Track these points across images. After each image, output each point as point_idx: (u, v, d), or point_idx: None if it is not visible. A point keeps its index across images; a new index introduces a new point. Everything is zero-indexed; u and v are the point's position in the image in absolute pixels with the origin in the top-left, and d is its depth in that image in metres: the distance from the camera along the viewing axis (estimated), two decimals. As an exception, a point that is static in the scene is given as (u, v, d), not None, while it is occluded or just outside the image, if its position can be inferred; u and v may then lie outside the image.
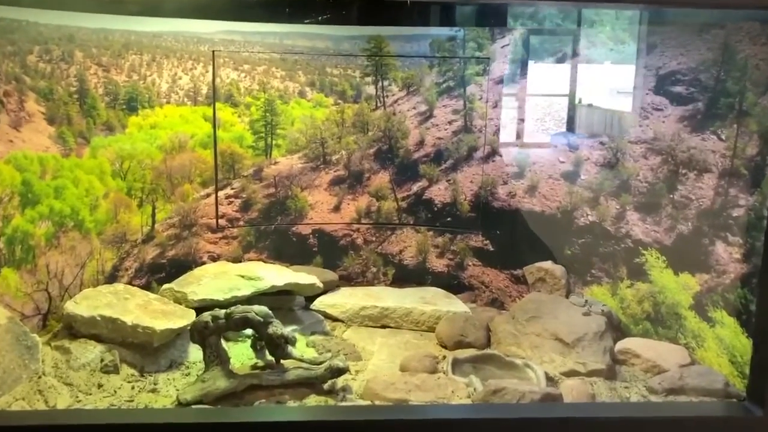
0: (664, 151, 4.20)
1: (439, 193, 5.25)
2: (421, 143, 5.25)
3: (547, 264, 4.91)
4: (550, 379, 3.90)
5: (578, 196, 4.75)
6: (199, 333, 3.60)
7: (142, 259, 4.82)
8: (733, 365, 3.75)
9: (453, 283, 5.28)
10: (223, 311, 3.59)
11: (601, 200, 4.64)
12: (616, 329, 4.48)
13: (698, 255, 4.01)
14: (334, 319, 4.84)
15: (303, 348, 4.31)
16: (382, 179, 5.28)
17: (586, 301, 4.61)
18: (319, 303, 4.89)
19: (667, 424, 2.94)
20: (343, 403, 3.53)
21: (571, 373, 3.98)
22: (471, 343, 4.45)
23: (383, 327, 4.80)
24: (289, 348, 3.58)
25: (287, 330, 3.59)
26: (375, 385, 3.66)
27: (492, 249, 5.20)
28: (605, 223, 4.63)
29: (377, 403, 3.51)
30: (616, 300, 4.61)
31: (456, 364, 4.08)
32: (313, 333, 4.60)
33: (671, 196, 4.19)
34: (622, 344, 4.24)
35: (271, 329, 3.50)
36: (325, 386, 3.69)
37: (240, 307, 3.58)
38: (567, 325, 4.28)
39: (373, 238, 5.35)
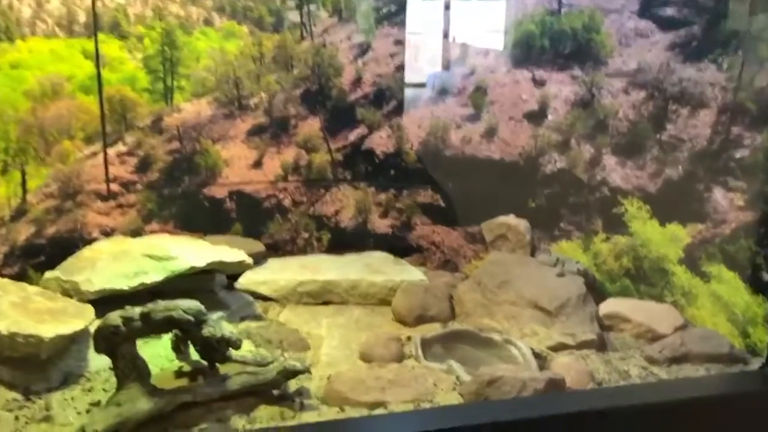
0: (650, 85, 3.78)
1: (381, 141, 4.63)
2: (357, 82, 4.56)
3: (509, 219, 4.45)
4: (538, 356, 3.47)
5: (545, 140, 4.28)
6: (106, 341, 2.81)
7: (13, 241, 3.87)
8: (733, 324, 3.48)
9: (399, 246, 4.73)
10: (137, 310, 2.81)
11: (572, 144, 4.20)
12: (591, 289, 4.11)
13: (690, 203, 3.68)
14: (265, 299, 4.16)
15: (235, 340, 3.60)
16: (311, 127, 4.57)
17: (557, 259, 4.21)
18: (246, 281, 4.18)
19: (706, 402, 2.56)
20: (306, 413, 2.90)
21: (559, 347, 3.57)
22: (434, 316, 3.95)
23: (326, 304, 4.20)
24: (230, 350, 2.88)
25: (228, 329, 2.86)
26: (340, 385, 3.06)
27: (443, 205, 4.70)
28: (576, 170, 4.21)
29: (348, 409, 2.91)
30: (589, 256, 4.25)
31: (425, 345, 3.55)
32: (243, 319, 3.90)
33: (658, 136, 3.81)
34: (606, 307, 3.88)
35: (206, 331, 2.77)
36: (276, 392, 3.03)
37: (161, 304, 2.81)
38: (544, 290, 3.86)
39: (304, 198, 4.67)
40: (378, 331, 3.71)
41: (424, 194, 4.69)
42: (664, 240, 3.86)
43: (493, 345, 3.58)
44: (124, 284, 3.52)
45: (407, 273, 4.38)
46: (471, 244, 4.68)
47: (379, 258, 4.60)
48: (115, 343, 2.81)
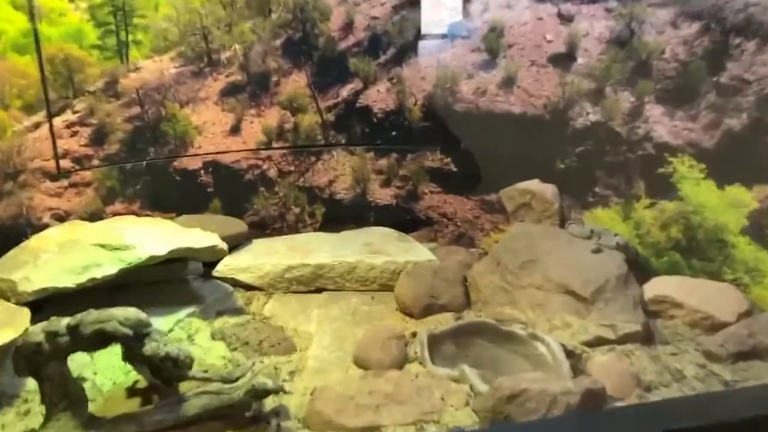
0: (706, 14, 3.09)
1: (379, 97, 4.02)
2: (348, 27, 3.92)
3: (533, 184, 3.85)
4: (571, 354, 2.91)
5: (575, 88, 3.62)
6: (27, 361, 2.32)
7: (-59, 232, 3.36)
8: (812, 308, 2.86)
9: (405, 219, 4.16)
10: (64, 322, 2.29)
11: (608, 92, 3.54)
12: (633, 266, 3.50)
13: (757, 159, 3.01)
14: (248, 288, 3.65)
15: (206, 342, 3.09)
16: (296, 83, 3.98)
17: (592, 231, 3.60)
18: (225, 267, 3.66)
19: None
20: (280, 443, 2.38)
21: (596, 342, 3.02)
22: (445, 305, 3.41)
23: (318, 291, 3.69)
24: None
25: (174, 346, 2.31)
26: (325, 404, 2.54)
27: (455, 169, 4.08)
28: (613, 124, 3.56)
29: (333, 438, 2.38)
30: (629, 226, 3.64)
31: (433, 343, 3.00)
32: (219, 314, 3.39)
33: (715, 79, 3.13)
34: (653, 289, 3.30)
35: (148, 347, 2.24)
36: (249, 413, 2.51)
37: (93, 314, 2.28)
38: (576, 270, 3.28)
39: (292, 168, 4.10)
40: (376, 327, 3.16)
41: (432, 158, 4.09)
42: (723, 205, 3.23)
43: (516, 340, 3.03)
44: (70, 281, 3.01)
45: (413, 252, 3.81)
46: (489, 215, 4.08)
47: (380, 235, 4.03)
48: (39, 363, 2.31)
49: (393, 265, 3.66)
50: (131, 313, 2.29)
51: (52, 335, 2.27)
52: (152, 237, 3.30)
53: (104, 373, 2.80)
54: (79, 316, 2.30)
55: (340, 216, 4.16)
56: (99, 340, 2.28)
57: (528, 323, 3.16)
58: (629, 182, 3.63)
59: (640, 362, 2.88)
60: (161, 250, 3.15)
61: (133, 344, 2.27)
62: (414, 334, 3.13)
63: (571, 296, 3.18)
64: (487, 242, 4.06)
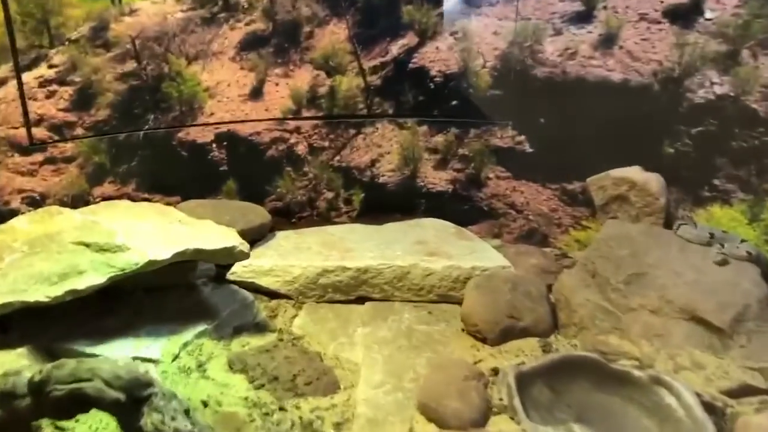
0: None
1: (438, 56, 3.34)
2: (403, -36, 3.21)
3: (633, 171, 3.19)
4: (710, 409, 2.25)
5: (697, 50, 2.90)
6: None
7: None
8: None
9: (462, 210, 3.48)
10: (25, 377, 1.62)
11: (745, 57, 2.82)
12: (764, 278, 2.83)
13: None
14: (273, 296, 3.00)
15: (222, 374, 2.45)
16: (334, 36, 3.26)
17: (712, 235, 2.91)
18: (243, 269, 3.03)
19: None
20: None
21: (742, 392, 2.37)
22: (527, 329, 2.78)
23: (360, 301, 3.05)
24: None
25: (187, 422, 1.64)
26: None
27: (530, 150, 3.38)
28: (748, 98, 2.85)
29: None
30: (758, 229, 2.96)
31: (521, 385, 2.34)
32: (237, 332, 2.75)
33: None
34: None
35: (149, 420, 1.57)
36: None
37: (68, 366, 1.62)
38: (703, 289, 2.64)
39: (326, 143, 3.43)
40: (445, 362, 2.51)
41: (501, 135, 3.40)
42: None
43: (632, 385, 2.38)
44: (43, 293, 2.37)
45: (481, 254, 3.15)
46: (569, 208, 3.41)
47: (434, 229, 3.37)
48: (-12, 436, 1.65)
49: (456, 272, 3.00)
50: (123, 366, 1.63)
51: (7, 397, 1.61)
52: (152, 234, 2.62)
53: None
54: (47, 368, 1.63)
55: (383, 204, 3.48)
56: (75, 405, 1.61)
57: (643, 360, 2.50)
58: (762, 174, 2.93)
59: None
60: (163, 253, 2.47)
61: (125, 414, 1.60)
62: (495, 371, 2.47)
63: (699, 325, 2.52)
64: (566, 242, 3.39)
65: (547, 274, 3.13)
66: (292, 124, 3.34)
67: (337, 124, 3.38)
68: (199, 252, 2.55)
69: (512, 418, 2.23)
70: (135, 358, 2.41)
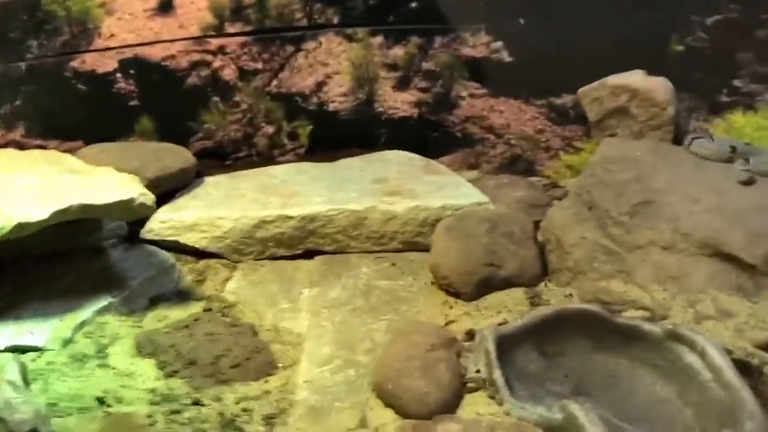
0: None
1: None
2: None
3: (635, 77, 2.73)
4: (744, 368, 1.88)
5: None
6: None
7: None
8: None
9: (432, 138, 3.02)
10: None
11: None
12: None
13: None
14: (201, 255, 2.58)
15: (125, 362, 2.03)
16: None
17: (733, 148, 2.49)
18: (161, 225, 2.62)
19: None
20: None
21: None
22: (511, 278, 2.37)
23: (309, 255, 2.61)
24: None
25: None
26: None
27: (509, 59, 2.90)
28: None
29: None
30: None
31: (504, 350, 1.94)
32: (153, 303, 2.34)
33: None
34: None
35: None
36: None
37: None
38: (727, 217, 2.21)
39: (259, 65, 2.94)
40: (408, 327, 2.07)
41: (473, 43, 2.89)
42: None
43: (642, 342, 1.99)
44: None
45: (453, 190, 2.74)
46: (559, 127, 2.95)
47: (398, 164, 2.95)
48: None
49: (423, 213, 2.57)
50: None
51: None
52: (30, 189, 2.15)
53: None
54: None
55: (337, 136, 3.00)
56: None
57: (655, 310, 2.07)
58: (796, 69, 2.47)
59: None
60: (38, 213, 2.00)
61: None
62: (471, 335, 2.04)
63: (725, 262, 2.11)
64: (556, 168, 2.94)
65: (536, 208, 2.69)
66: (214, 42, 2.82)
67: (270, 41, 2.86)
68: (86, 208, 2.09)
69: (493, 397, 1.83)
70: (13, 349, 1.99)
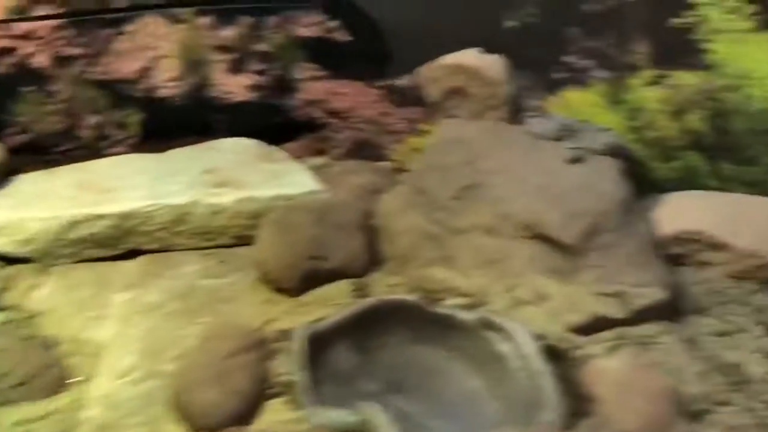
0: None
1: None
2: None
3: (468, 56, 2.67)
4: (555, 354, 1.87)
5: None
6: None
7: None
8: None
9: (273, 124, 2.89)
10: None
11: None
12: (626, 177, 2.41)
13: None
14: (9, 260, 2.37)
15: None
16: None
17: (564, 126, 2.46)
18: None
19: None
20: None
21: (595, 326, 1.96)
22: (337, 270, 2.27)
23: (132, 255, 2.44)
24: None
25: None
26: None
27: (346, 39, 2.79)
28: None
29: None
30: (620, 116, 2.53)
31: (319, 349, 1.86)
32: None
33: None
34: (672, 217, 2.23)
35: None
36: None
37: None
38: (549, 197, 2.20)
39: (76, 50, 2.75)
40: (214, 329, 1.95)
41: (308, 21, 2.75)
42: None
43: (458, 331, 1.93)
44: None
45: (287, 179, 2.60)
46: (402, 109, 2.85)
47: (233, 152, 2.79)
48: None
49: (252, 205, 2.43)
50: None
51: None
52: None
53: None
54: None
55: (170, 124, 2.82)
56: None
57: (475, 296, 2.03)
58: (622, 44, 2.44)
59: (672, 358, 1.82)
60: None
61: None
62: (284, 334, 1.94)
63: (544, 244, 2.06)
64: (404, 152, 2.85)
65: (378, 195, 2.59)
66: (23, 27, 2.60)
67: (88, 23, 2.66)
68: None
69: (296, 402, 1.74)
70: None
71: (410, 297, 1.99)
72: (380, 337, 1.95)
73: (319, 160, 3.00)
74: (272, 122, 2.91)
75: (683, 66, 2.34)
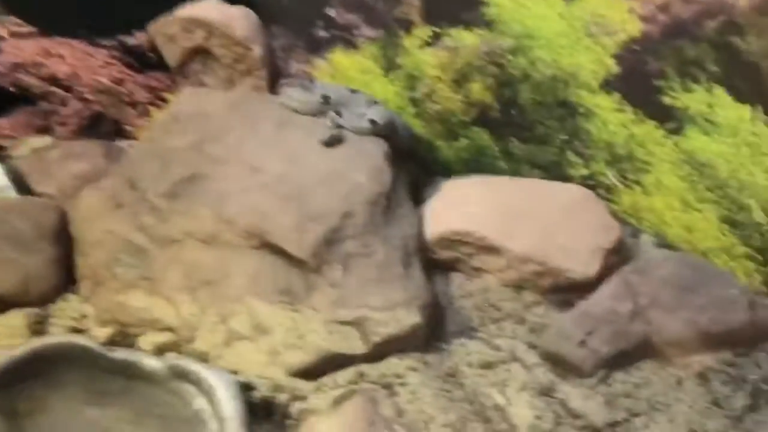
0: None
1: None
2: None
3: (207, 8, 2.18)
4: (268, 409, 1.45)
5: None
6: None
7: None
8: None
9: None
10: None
11: None
12: (404, 160, 2.02)
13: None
14: None
15: None
16: None
17: (326, 98, 2.03)
18: None
19: None
20: None
21: (324, 367, 1.54)
22: (8, 298, 1.73)
23: None
24: None
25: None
26: None
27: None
28: None
29: None
30: (395, 84, 2.12)
31: None
32: None
33: None
34: (439, 215, 1.87)
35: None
36: None
37: None
38: (286, 195, 1.77)
39: None
40: None
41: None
42: (571, 35, 1.79)
43: (148, 384, 1.46)
44: None
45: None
46: (141, 75, 2.32)
47: None
48: None
49: None
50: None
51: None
52: None
53: None
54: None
55: None
56: None
57: (180, 331, 1.56)
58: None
59: (420, 404, 1.43)
60: None
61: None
62: None
63: (274, 256, 1.62)
64: (146, 128, 2.33)
65: (80, 187, 2.05)
66: None
67: None
68: None
69: None
70: None
71: (79, 339, 1.50)
72: (38, 398, 1.46)
73: (40, 141, 2.41)
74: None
75: (461, 22, 1.96)
